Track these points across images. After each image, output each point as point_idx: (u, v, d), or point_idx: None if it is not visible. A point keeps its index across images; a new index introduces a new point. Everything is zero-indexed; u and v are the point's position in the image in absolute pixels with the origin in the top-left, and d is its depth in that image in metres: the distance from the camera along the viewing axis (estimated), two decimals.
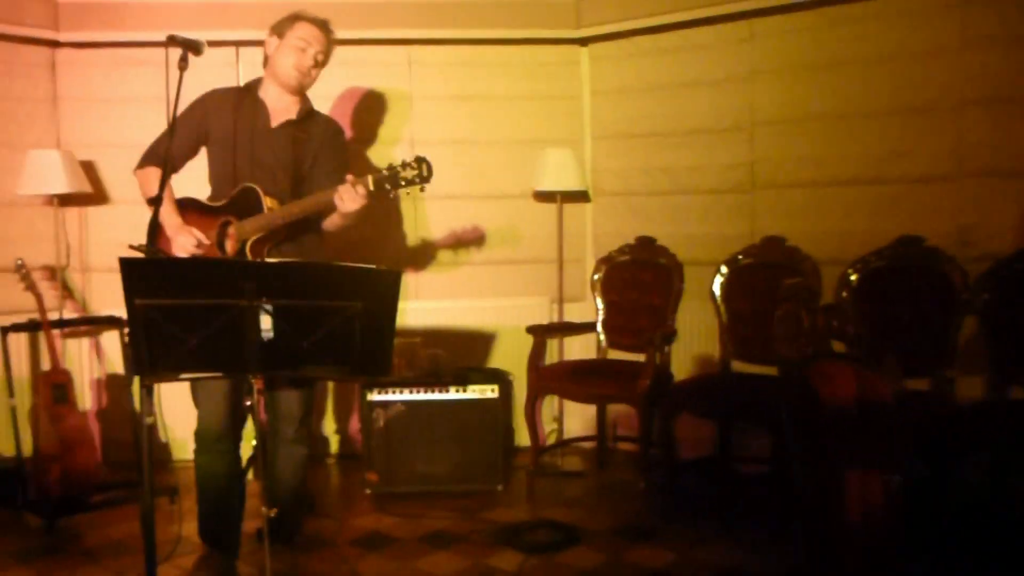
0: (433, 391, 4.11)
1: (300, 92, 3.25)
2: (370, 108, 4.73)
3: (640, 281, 4.41)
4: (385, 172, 2.83)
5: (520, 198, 4.81)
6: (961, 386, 3.54)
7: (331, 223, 3.20)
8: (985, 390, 3.46)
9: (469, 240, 4.74)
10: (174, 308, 2.18)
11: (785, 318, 2.29)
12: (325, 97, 4.57)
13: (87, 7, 4.55)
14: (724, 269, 4.17)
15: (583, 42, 4.80)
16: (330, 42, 3.25)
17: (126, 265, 2.15)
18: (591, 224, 4.89)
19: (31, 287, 4.10)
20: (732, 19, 4.34)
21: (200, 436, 3.16)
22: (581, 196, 4.82)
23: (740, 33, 4.35)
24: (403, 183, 2.80)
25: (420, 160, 2.80)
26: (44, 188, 4.29)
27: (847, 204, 4.09)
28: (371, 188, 2.85)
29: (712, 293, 4.18)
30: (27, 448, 4.09)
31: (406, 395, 4.10)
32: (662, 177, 4.63)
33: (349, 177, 2.87)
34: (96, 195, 4.60)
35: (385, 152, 4.71)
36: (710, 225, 4.50)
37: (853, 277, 3.77)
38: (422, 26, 4.70)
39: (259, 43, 3.35)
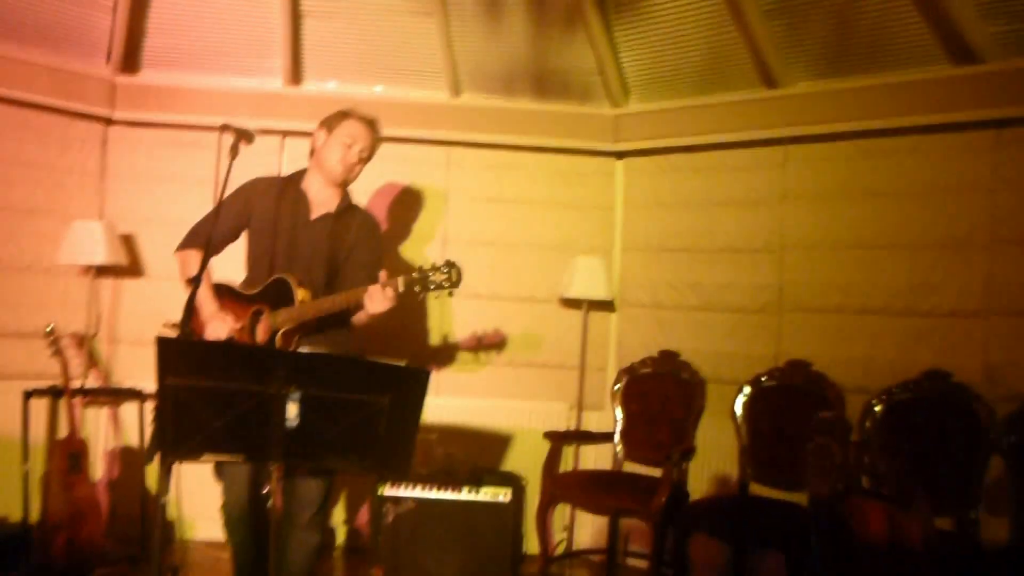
0: (446, 490, 4.06)
1: (342, 186, 3.33)
2: (406, 204, 4.83)
3: (661, 394, 4.39)
4: (415, 275, 2.87)
5: (547, 303, 4.85)
6: (986, 527, 3.46)
7: (358, 319, 3.22)
8: (1010, 532, 3.37)
9: (491, 343, 4.75)
10: (203, 390, 2.19)
11: (818, 451, 2.26)
12: (364, 191, 4.68)
13: (144, 88, 4.73)
14: (747, 389, 4.14)
15: (619, 155, 4.91)
16: (376, 140, 3.35)
17: (162, 344, 2.17)
18: (615, 334, 4.91)
19: (58, 353, 4.15)
20: (767, 144, 4.44)
21: (225, 512, 3.23)
22: (607, 305, 4.85)
23: (774, 158, 4.43)
24: (432, 287, 2.84)
25: (450, 265, 2.84)
26: (83, 258, 4.38)
27: (874, 333, 4.09)
28: (401, 290, 2.89)
29: (733, 412, 4.14)
30: (34, 515, 4.07)
31: (418, 492, 4.05)
32: (689, 292, 4.66)
33: (382, 275, 2.92)
34: (131, 268, 4.69)
35: (418, 248, 4.79)
36: (735, 344, 4.49)
37: (878, 408, 3.73)
38: (463, 129, 4.84)
39: (304, 134, 3.46)
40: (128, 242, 4.67)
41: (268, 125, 4.49)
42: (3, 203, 4.43)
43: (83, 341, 4.56)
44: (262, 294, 3.16)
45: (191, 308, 2.62)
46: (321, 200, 3.31)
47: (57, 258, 4.44)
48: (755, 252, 4.47)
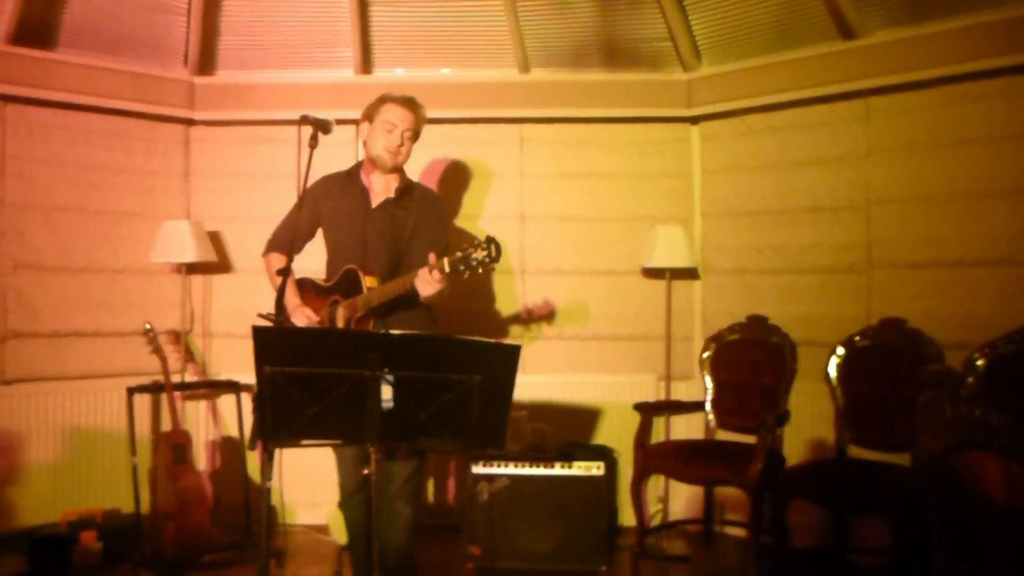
0: (538, 466, 4.07)
1: (395, 170, 3.37)
2: (482, 185, 4.84)
3: (751, 361, 4.32)
4: (458, 254, 2.88)
5: (629, 275, 4.81)
6: None
7: (424, 299, 3.23)
8: None
9: (540, 314, 4.75)
10: (300, 376, 2.24)
11: (928, 406, 2.19)
12: (436, 173, 4.71)
13: (221, 88, 4.84)
14: (840, 351, 4.04)
15: (694, 120, 4.82)
16: (418, 117, 3.36)
17: (258, 333, 2.23)
18: (700, 302, 4.84)
19: (157, 350, 4.29)
20: (847, 97, 4.30)
21: (341, 489, 3.39)
22: (690, 273, 4.79)
23: (856, 111, 4.30)
24: (475, 263, 2.83)
25: (490, 240, 2.83)
26: (174, 257, 4.51)
27: (972, 286, 3.94)
28: (447, 271, 2.91)
29: (827, 375, 4.06)
30: (144, 506, 4.23)
31: (511, 469, 4.08)
32: (774, 255, 4.56)
33: (431, 257, 2.94)
34: (220, 264, 4.81)
35: (495, 227, 4.78)
36: (824, 305, 4.39)
37: (980, 362, 3.59)
38: (534, 105, 4.82)
39: None
40: (215, 239, 4.79)
41: (343, 115, 4.51)
42: (96, 208, 4.59)
43: (179, 337, 4.71)
44: (336, 285, 3.28)
45: (282, 297, 2.69)
46: (380, 188, 3.38)
47: (150, 258, 4.58)
48: (840, 210, 4.35)
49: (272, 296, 2.87)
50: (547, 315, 4.76)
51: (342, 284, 3.25)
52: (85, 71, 4.48)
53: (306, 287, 3.40)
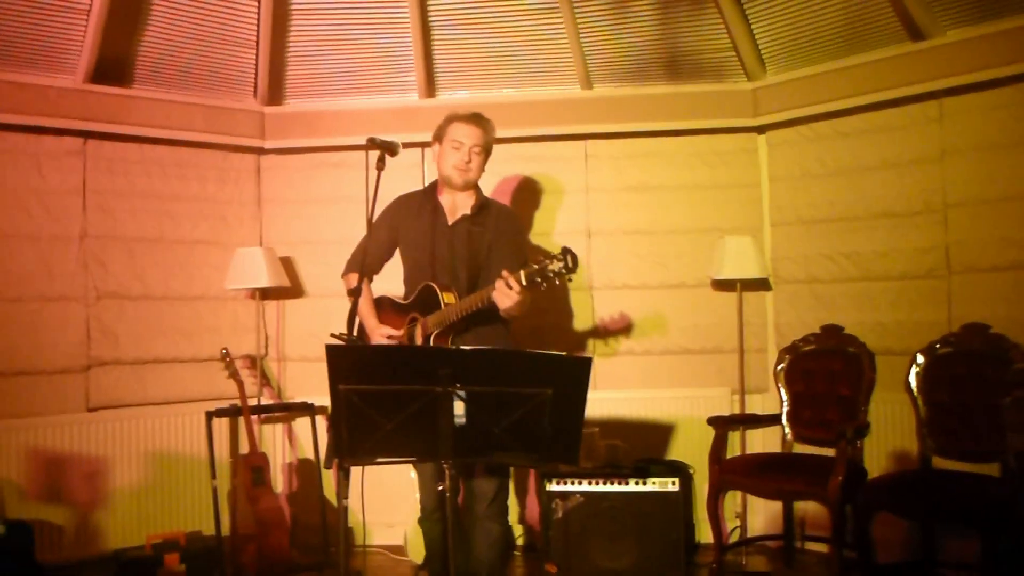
0: (612, 483, 4.05)
1: (466, 187, 3.40)
2: (548, 201, 4.86)
3: (827, 371, 4.23)
4: (535, 266, 2.89)
5: (698, 287, 4.78)
6: None
7: (504, 313, 3.25)
8: None
9: (617, 328, 4.73)
10: (373, 394, 2.27)
11: (1016, 405, 2.13)
12: (504, 191, 4.75)
13: (290, 116, 4.97)
14: (920, 359, 3.94)
15: (760, 130, 4.78)
16: (486, 131, 3.39)
17: (331, 352, 2.27)
18: (772, 313, 4.78)
19: (234, 375, 4.40)
20: (919, 99, 4.22)
21: (421, 506, 3.43)
22: (761, 284, 4.73)
23: (928, 113, 4.21)
24: (551, 275, 2.84)
25: (565, 251, 2.83)
26: (248, 283, 4.63)
27: None
28: (524, 283, 2.91)
29: (907, 384, 3.95)
30: (225, 527, 4.32)
31: (585, 486, 4.07)
32: (847, 263, 4.48)
33: (504, 273, 2.95)
34: (293, 289, 4.91)
35: (562, 243, 4.77)
36: (901, 312, 4.29)
37: None
38: (598, 121, 4.83)
39: None
40: (287, 264, 4.90)
41: (408, 138, 4.58)
42: (172, 237, 4.75)
43: (255, 361, 4.82)
44: (414, 303, 3.32)
45: (353, 316, 2.74)
46: (455, 205, 3.42)
47: (224, 284, 4.71)
48: (915, 215, 4.25)
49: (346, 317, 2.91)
50: (623, 329, 4.74)
51: (420, 301, 3.29)
52: (159, 105, 4.65)
53: (384, 305, 3.46)
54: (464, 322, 3.17)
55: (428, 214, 3.40)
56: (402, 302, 3.39)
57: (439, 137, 3.41)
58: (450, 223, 3.38)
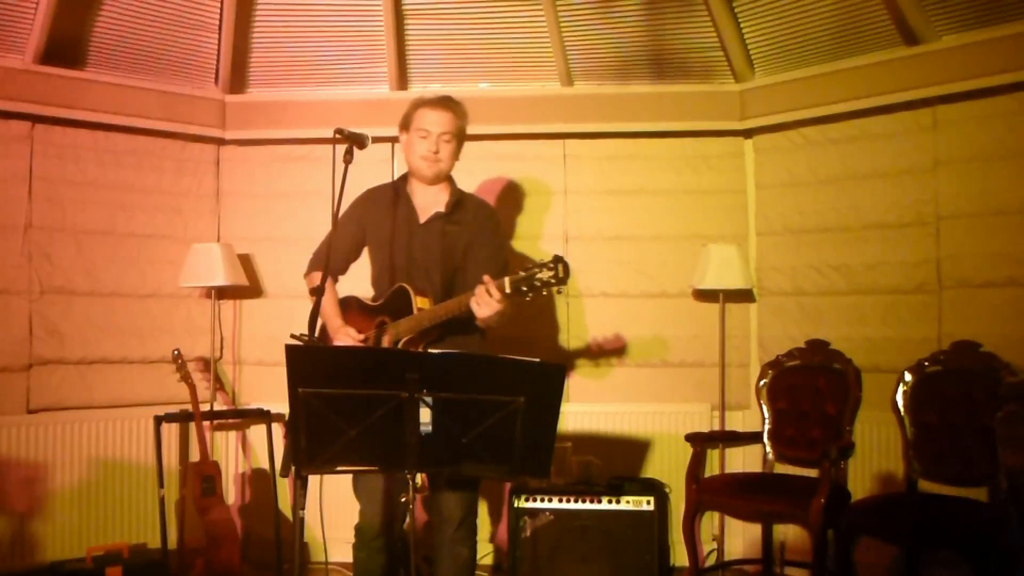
0: (584, 500, 4.04)
1: (439, 180, 3.31)
2: (524, 203, 4.85)
3: (812, 388, 4.24)
4: (521, 274, 2.81)
5: (679, 297, 4.78)
6: None
7: (481, 322, 3.18)
8: None
9: (612, 348, 4.73)
10: (335, 398, 2.24)
11: (1008, 420, 2.14)
12: (476, 190, 4.71)
13: (253, 106, 4.93)
14: (908, 377, 3.96)
15: (747, 134, 4.80)
16: (457, 116, 3.27)
17: (291, 352, 2.24)
18: (756, 325, 4.79)
19: (186, 378, 4.34)
20: (912, 107, 4.25)
21: (359, 531, 3.26)
22: (745, 295, 4.74)
23: (921, 121, 4.24)
24: (539, 285, 2.77)
25: (557, 260, 2.76)
26: (204, 280, 4.57)
27: None
28: (507, 291, 2.84)
29: (894, 403, 3.97)
30: (172, 540, 4.25)
31: (555, 503, 4.05)
32: (835, 275, 4.51)
33: (485, 279, 2.87)
34: (251, 288, 4.86)
35: (538, 247, 4.79)
36: (890, 328, 4.32)
37: None
38: (578, 120, 4.83)
39: None
40: (246, 262, 4.84)
41: (378, 132, 4.55)
42: (124, 230, 4.68)
43: (208, 364, 4.76)
44: (384, 305, 3.23)
45: (315, 316, 2.70)
46: (428, 202, 3.31)
47: (179, 282, 4.64)
48: (906, 227, 4.29)
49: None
50: (617, 350, 4.74)
51: (391, 304, 3.19)
52: (114, 90, 4.59)
53: (351, 306, 3.35)
54: (438, 329, 3.08)
55: (399, 209, 3.30)
56: (371, 304, 3.31)
57: (405, 125, 3.31)
58: (422, 221, 3.29)
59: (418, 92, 4.82)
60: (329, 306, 3.31)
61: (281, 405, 4.10)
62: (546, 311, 4.79)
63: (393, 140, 4.77)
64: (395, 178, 3.37)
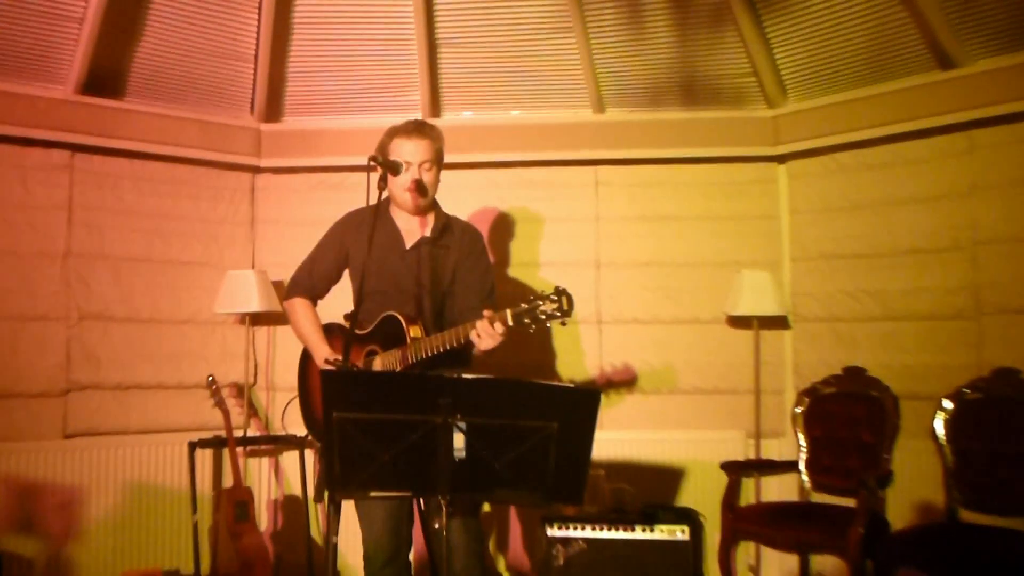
0: (617, 529, 4.00)
1: (422, 211, 3.24)
2: (554, 230, 4.86)
3: (849, 416, 4.18)
4: (524, 306, 2.76)
5: (713, 323, 4.76)
6: None
7: (481, 353, 3.11)
8: None
9: (621, 380, 4.72)
10: (369, 422, 2.24)
11: None
12: (506, 218, 4.73)
13: (288, 135, 4.99)
14: (947, 404, 3.90)
15: (781, 159, 4.79)
16: (434, 140, 3.18)
17: (327, 378, 2.25)
18: (791, 352, 4.75)
19: (220, 404, 4.38)
20: (947, 131, 4.22)
21: (368, 560, 3.16)
22: (780, 322, 4.71)
23: (958, 145, 4.21)
24: (544, 317, 2.73)
25: (560, 292, 2.72)
26: (238, 307, 4.61)
27: None
28: (510, 324, 2.79)
29: (933, 431, 3.90)
30: (205, 566, 4.26)
31: (588, 532, 4.01)
32: (870, 301, 4.46)
33: (487, 313, 2.83)
34: (285, 315, 4.86)
35: (569, 275, 4.78)
36: (928, 354, 4.26)
37: None
38: (610, 146, 4.84)
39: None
40: (280, 289, 4.86)
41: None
42: (161, 257, 4.74)
43: (242, 390, 4.79)
44: (373, 334, 3.16)
45: (348, 344, 2.70)
46: (412, 226, 3.25)
47: (214, 308, 4.69)
48: (943, 252, 4.24)
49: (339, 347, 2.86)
50: (627, 381, 4.71)
51: (380, 333, 3.12)
52: (152, 119, 4.67)
53: (335, 334, 3.27)
54: (429, 359, 3.00)
55: (384, 233, 3.22)
56: (359, 333, 3.18)
57: (382, 154, 3.19)
58: (408, 246, 3.23)
59: (451, 119, 4.91)
60: (314, 332, 3.25)
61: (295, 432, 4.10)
62: (578, 337, 4.77)
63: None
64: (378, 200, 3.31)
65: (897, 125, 4.32)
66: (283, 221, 5.01)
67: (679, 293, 4.79)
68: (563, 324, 2.74)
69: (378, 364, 3.09)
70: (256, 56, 4.72)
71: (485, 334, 2.83)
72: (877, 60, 4.34)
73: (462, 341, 2.91)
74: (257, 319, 4.85)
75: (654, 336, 4.77)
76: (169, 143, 4.71)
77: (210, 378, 4.42)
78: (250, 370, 4.85)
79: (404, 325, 3.04)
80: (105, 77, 4.50)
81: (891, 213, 4.41)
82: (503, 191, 4.82)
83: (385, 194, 3.05)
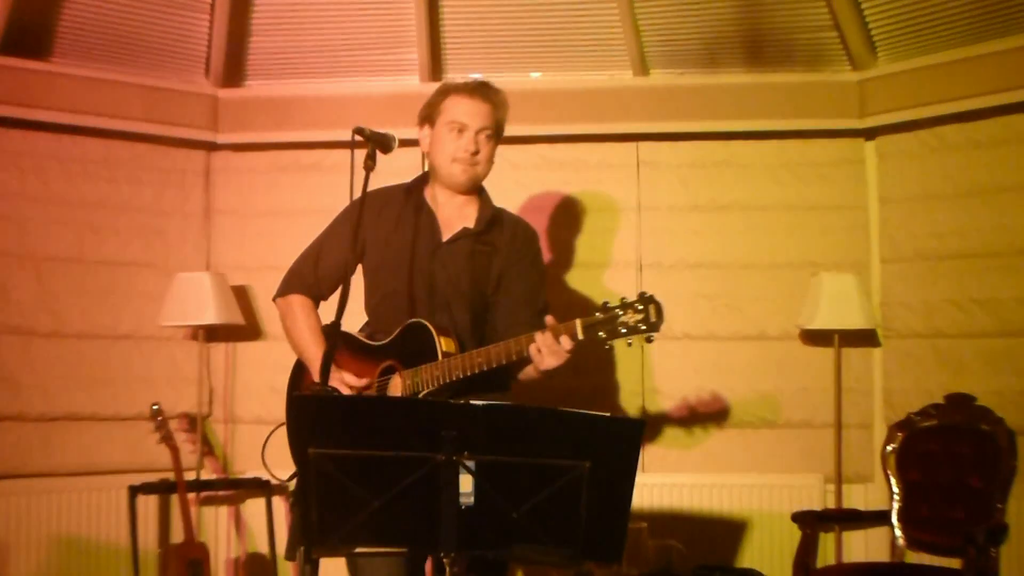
0: None
1: (474, 189, 3.26)
2: (585, 222, 4.89)
3: (953, 455, 4.20)
4: (599, 315, 2.76)
5: (783, 340, 4.79)
6: None
7: (527, 376, 3.15)
8: None
9: (707, 412, 4.73)
10: (354, 461, 2.26)
11: None
12: (524, 205, 4.75)
13: (252, 103, 5.05)
14: None
15: (868, 134, 4.81)
16: (496, 107, 3.20)
17: (300, 404, 2.27)
18: (881, 376, 4.77)
19: (167, 439, 4.42)
20: None
21: None
22: (867, 338, 4.73)
23: None
24: (624, 331, 2.73)
25: (647, 300, 2.73)
26: (189, 318, 4.66)
27: None
28: (580, 338, 2.79)
29: None
30: None
31: None
32: (981, 313, 4.48)
33: (549, 320, 2.83)
34: (248, 328, 4.93)
35: (601, 279, 4.82)
36: None
37: None
38: (655, 118, 4.87)
39: None
40: (242, 296, 4.91)
41: (406, 134, 4.62)
42: (95, 256, 4.79)
43: (195, 423, 4.82)
44: (392, 346, 3.14)
45: (328, 361, 2.71)
46: (453, 214, 3.24)
47: (159, 320, 4.72)
48: None
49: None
50: (704, 406, 4.74)
51: (402, 345, 3.09)
52: (84, 84, 4.71)
53: (344, 344, 3.18)
54: (465, 381, 2.97)
55: (414, 222, 3.22)
56: (372, 343, 3.18)
57: (429, 118, 3.23)
58: (445, 239, 3.21)
59: None
60: (313, 340, 3.22)
61: (284, 472, 4.11)
62: (613, 357, 4.79)
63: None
64: (408, 181, 3.31)
65: (1014, 93, 4.32)
66: (245, 211, 5.06)
67: (741, 302, 4.82)
68: (649, 341, 2.74)
69: (396, 386, 3.08)
70: (212, 5, 4.76)
71: (548, 349, 2.81)
72: (990, 11, 4.35)
73: (513, 358, 2.89)
74: (213, 334, 4.89)
75: (709, 356, 4.80)
76: (105, 114, 4.76)
77: (155, 407, 4.45)
78: (204, 397, 4.89)
79: (435, 336, 3.01)
80: (25, 33, 4.54)
81: (1007, 202, 4.42)
82: (520, 173, 4.84)
83: (395, 182, 3.11)
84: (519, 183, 4.83)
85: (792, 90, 4.81)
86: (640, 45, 4.80)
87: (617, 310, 2.74)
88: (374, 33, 4.88)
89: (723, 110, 4.83)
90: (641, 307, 2.72)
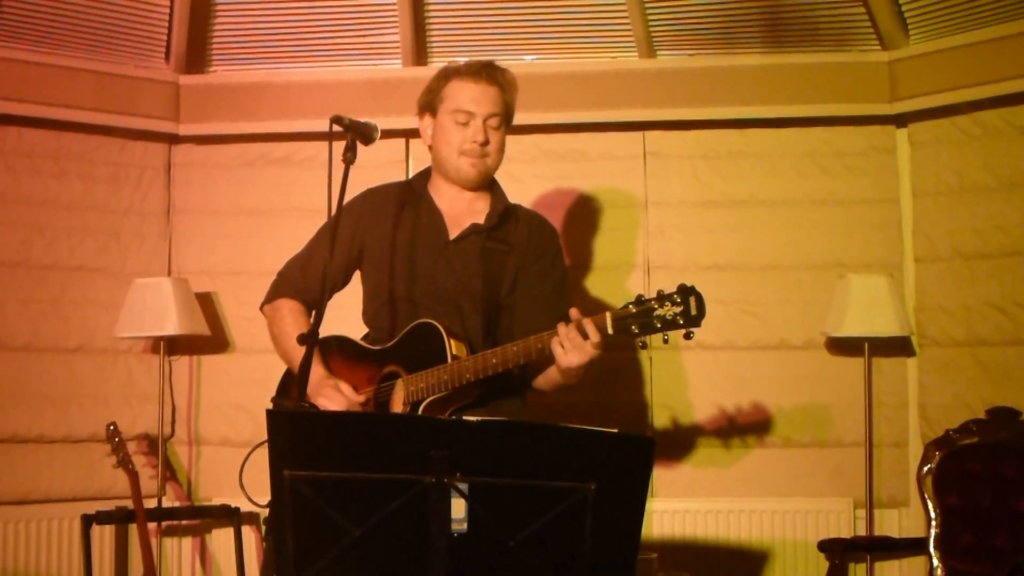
0: None
1: (484, 183, 3.26)
2: (587, 218, 4.90)
3: (997, 476, 4.21)
4: (632, 307, 2.75)
5: (807, 349, 4.80)
6: None
7: (546, 380, 3.15)
8: None
9: (747, 423, 4.72)
10: (334, 483, 2.25)
11: None
12: (523, 202, 4.74)
13: (217, 90, 5.05)
14: None
15: (900, 121, 4.83)
16: (505, 90, 3.19)
17: (275, 420, 2.25)
18: (916, 388, 4.78)
19: (124, 463, 4.39)
20: None
21: None
22: (900, 346, 4.74)
23: None
24: (659, 324, 2.71)
25: (687, 292, 2.71)
26: (148, 329, 4.65)
27: None
28: (610, 332, 2.78)
29: None
30: None
31: None
32: None
33: (574, 313, 2.83)
34: (214, 340, 4.92)
35: (608, 281, 4.81)
36: None
37: None
38: (663, 104, 4.88)
39: None
40: (207, 304, 4.91)
41: (388, 124, 4.62)
42: (42, 261, 4.79)
43: (155, 444, 4.81)
44: (395, 350, 3.14)
45: (306, 372, 2.71)
46: (461, 209, 3.25)
47: (115, 331, 4.71)
48: None
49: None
50: (720, 422, 4.74)
51: (406, 348, 3.10)
52: (30, 71, 4.71)
53: (338, 351, 3.26)
54: (477, 388, 3.00)
55: (418, 219, 3.24)
56: (372, 348, 3.21)
57: (430, 106, 3.22)
58: (453, 236, 3.22)
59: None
60: (301, 350, 3.23)
61: (263, 498, 4.11)
62: (619, 369, 4.78)
63: (409, 134, 4.85)
64: (409, 176, 3.31)
65: None
66: (210, 210, 5.06)
67: (760, 308, 4.82)
68: (687, 337, 2.72)
69: (399, 394, 3.07)
70: None
71: (573, 344, 2.79)
72: None
73: (533, 357, 2.89)
74: (175, 346, 4.88)
75: (724, 367, 4.81)
76: (53, 103, 4.76)
77: (111, 427, 4.44)
78: (166, 416, 4.88)
79: (445, 338, 2.99)
80: None
81: None
82: (515, 165, 4.79)
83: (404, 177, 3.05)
84: (512, 176, 4.79)
85: (814, 72, 4.82)
86: (646, 24, 4.81)
87: (653, 303, 2.73)
88: (352, 13, 4.89)
89: (738, 95, 4.84)
90: (680, 299, 2.71)
